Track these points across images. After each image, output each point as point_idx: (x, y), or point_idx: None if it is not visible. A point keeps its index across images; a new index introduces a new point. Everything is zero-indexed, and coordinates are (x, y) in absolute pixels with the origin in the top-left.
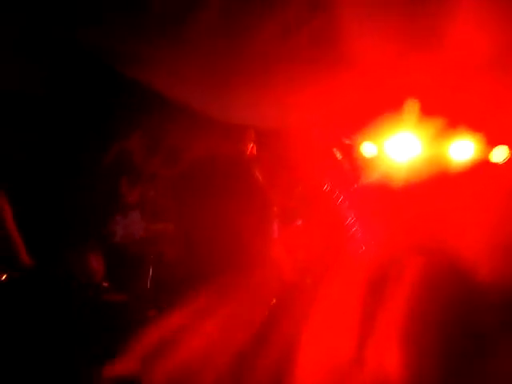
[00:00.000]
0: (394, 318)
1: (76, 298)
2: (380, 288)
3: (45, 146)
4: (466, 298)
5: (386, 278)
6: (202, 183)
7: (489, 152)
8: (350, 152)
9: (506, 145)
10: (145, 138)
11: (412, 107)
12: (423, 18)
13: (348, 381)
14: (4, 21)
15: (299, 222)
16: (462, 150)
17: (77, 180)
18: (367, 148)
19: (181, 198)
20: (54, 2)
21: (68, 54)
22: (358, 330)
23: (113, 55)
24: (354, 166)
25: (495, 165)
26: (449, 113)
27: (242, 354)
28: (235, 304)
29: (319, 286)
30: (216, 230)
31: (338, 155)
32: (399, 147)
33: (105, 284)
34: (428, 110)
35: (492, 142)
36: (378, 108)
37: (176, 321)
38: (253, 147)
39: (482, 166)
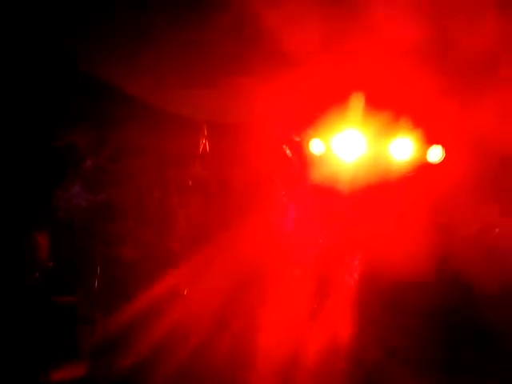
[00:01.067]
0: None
1: (24, 291)
2: (324, 280)
3: None
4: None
5: (328, 272)
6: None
7: (426, 150)
8: (300, 149)
9: (441, 144)
10: (93, 129)
11: (356, 102)
12: (363, 9)
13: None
14: None
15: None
16: (402, 148)
17: (21, 165)
18: (316, 145)
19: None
20: None
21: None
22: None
23: (67, 47)
24: (303, 163)
25: (432, 165)
26: (390, 108)
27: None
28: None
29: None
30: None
31: (288, 152)
32: (345, 145)
33: (50, 264)
34: (372, 105)
35: (429, 141)
36: (325, 104)
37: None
38: (205, 142)
39: (421, 166)
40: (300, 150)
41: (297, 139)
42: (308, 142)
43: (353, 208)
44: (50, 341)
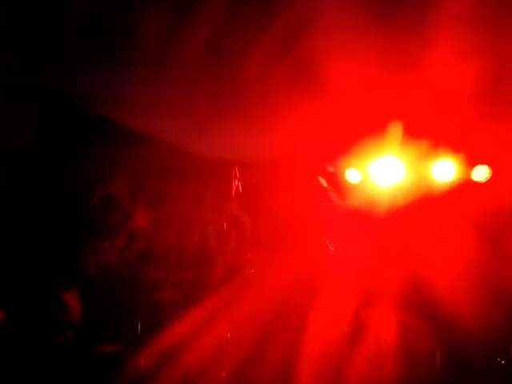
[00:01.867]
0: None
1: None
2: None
3: (32, 197)
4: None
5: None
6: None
7: (470, 172)
8: (335, 179)
9: (486, 164)
10: (130, 178)
11: (394, 131)
12: (401, 42)
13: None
14: None
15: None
16: (444, 170)
17: (63, 227)
18: (351, 174)
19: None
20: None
21: (45, 101)
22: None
23: (89, 97)
24: (339, 193)
25: (477, 184)
26: (430, 135)
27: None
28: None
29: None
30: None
31: (324, 183)
32: (383, 172)
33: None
34: (410, 133)
35: (472, 162)
36: (360, 133)
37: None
38: (237, 184)
39: (465, 186)
40: (335, 181)
41: (332, 170)
42: (343, 172)
43: (394, 232)
44: None
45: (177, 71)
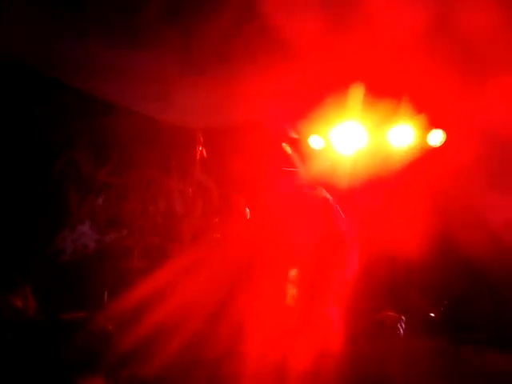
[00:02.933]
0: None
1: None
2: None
3: None
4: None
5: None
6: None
7: (426, 136)
8: (299, 146)
9: (442, 128)
10: (92, 146)
11: (355, 93)
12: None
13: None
14: None
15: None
16: (402, 135)
17: (23, 195)
18: (314, 141)
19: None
20: None
21: (5, 67)
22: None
23: (52, 64)
24: (303, 159)
25: (433, 149)
26: (390, 95)
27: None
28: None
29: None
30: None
31: (288, 149)
32: (344, 138)
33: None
34: (370, 95)
35: (429, 126)
36: (321, 97)
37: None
38: (202, 150)
39: (422, 151)
40: (299, 147)
41: (295, 136)
42: (306, 138)
43: (354, 200)
44: (67, 358)
45: (141, 37)
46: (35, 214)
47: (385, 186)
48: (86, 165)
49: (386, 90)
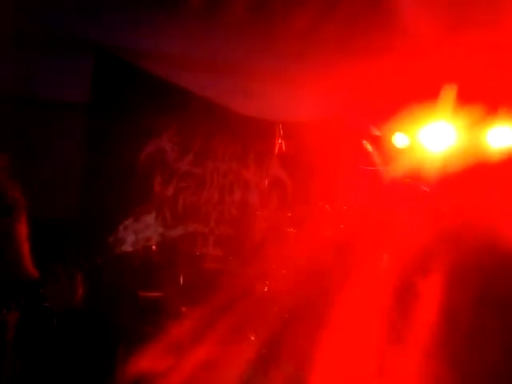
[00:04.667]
0: (421, 330)
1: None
2: (407, 296)
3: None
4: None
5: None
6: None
7: None
8: (381, 143)
9: None
10: (177, 136)
11: (448, 95)
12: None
13: None
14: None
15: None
16: (500, 136)
17: (108, 183)
18: (399, 138)
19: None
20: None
21: (98, 57)
22: (380, 339)
23: (141, 54)
24: (385, 157)
25: None
26: (487, 98)
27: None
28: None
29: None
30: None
31: (369, 147)
32: (433, 137)
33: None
34: (464, 98)
35: None
36: (410, 96)
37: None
38: (281, 143)
39: None
40: (381, 145)
41: (377, 133)
42: (390, 136)
43: (443, 200)
44: (139, 332)
45: (226, 29)
46: (115, 198)
47: (477, 187)
48: (171, 154)
49: (481, 94)
